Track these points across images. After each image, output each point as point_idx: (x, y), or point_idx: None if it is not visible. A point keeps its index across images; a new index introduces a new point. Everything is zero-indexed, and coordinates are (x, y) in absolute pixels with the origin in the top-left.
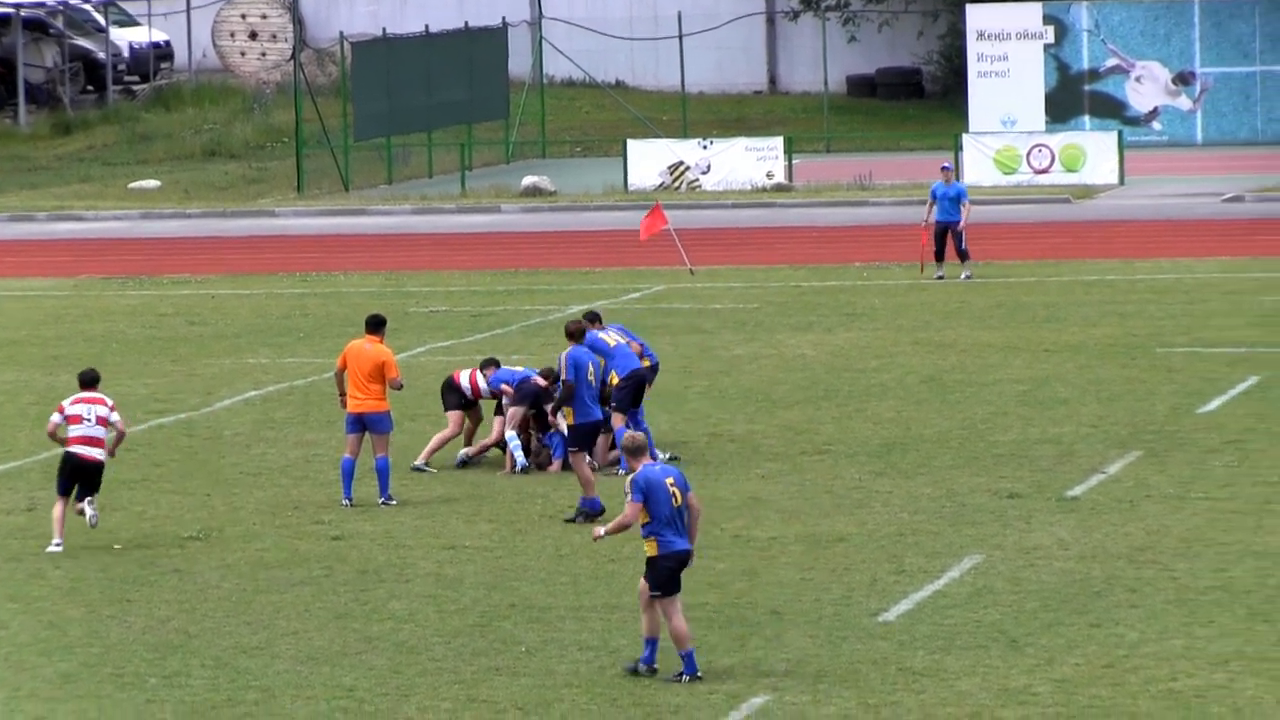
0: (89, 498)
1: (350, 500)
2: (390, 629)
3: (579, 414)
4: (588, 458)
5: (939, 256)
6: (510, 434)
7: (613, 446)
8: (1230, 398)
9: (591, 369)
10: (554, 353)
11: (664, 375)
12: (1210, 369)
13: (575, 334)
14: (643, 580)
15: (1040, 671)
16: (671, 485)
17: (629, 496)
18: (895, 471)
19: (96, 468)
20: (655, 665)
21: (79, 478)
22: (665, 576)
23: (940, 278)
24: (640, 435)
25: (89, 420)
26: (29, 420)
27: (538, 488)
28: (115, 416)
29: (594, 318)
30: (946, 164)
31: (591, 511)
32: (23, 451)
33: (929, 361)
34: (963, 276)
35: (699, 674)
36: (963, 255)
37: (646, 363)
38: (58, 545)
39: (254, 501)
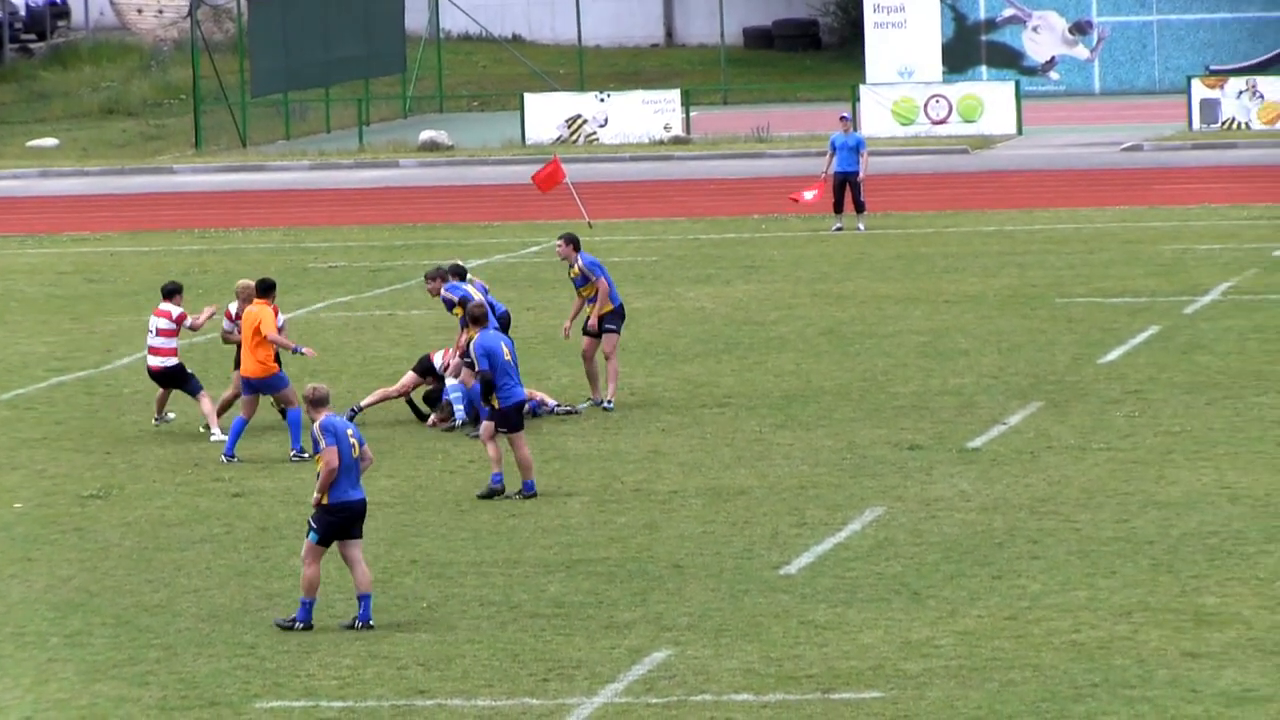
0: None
1: (231, 457)
2: (291, 586)
3: (504, 398)
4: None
5: (838, 208)
6: (451, 383)
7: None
8: (1130, 348)
9: (506, 350)
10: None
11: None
12: (1110, 319)
13: (479, 318)
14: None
15: (943, 624)
16: (351, 436)
17: (323, 441)
18: (796, 424)
19: (164, 374)
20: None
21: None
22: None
23: (839, 229)
24: (324, 387)
25: (150, 333)
26: None
27: (437, 443)
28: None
29: (460, 272)
30: (845, 114)
31: (527, 492)
32: None
33: (828, 313)
34: (858, 228)
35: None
36: (859, 207)
37: None
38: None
39: (154, 459)
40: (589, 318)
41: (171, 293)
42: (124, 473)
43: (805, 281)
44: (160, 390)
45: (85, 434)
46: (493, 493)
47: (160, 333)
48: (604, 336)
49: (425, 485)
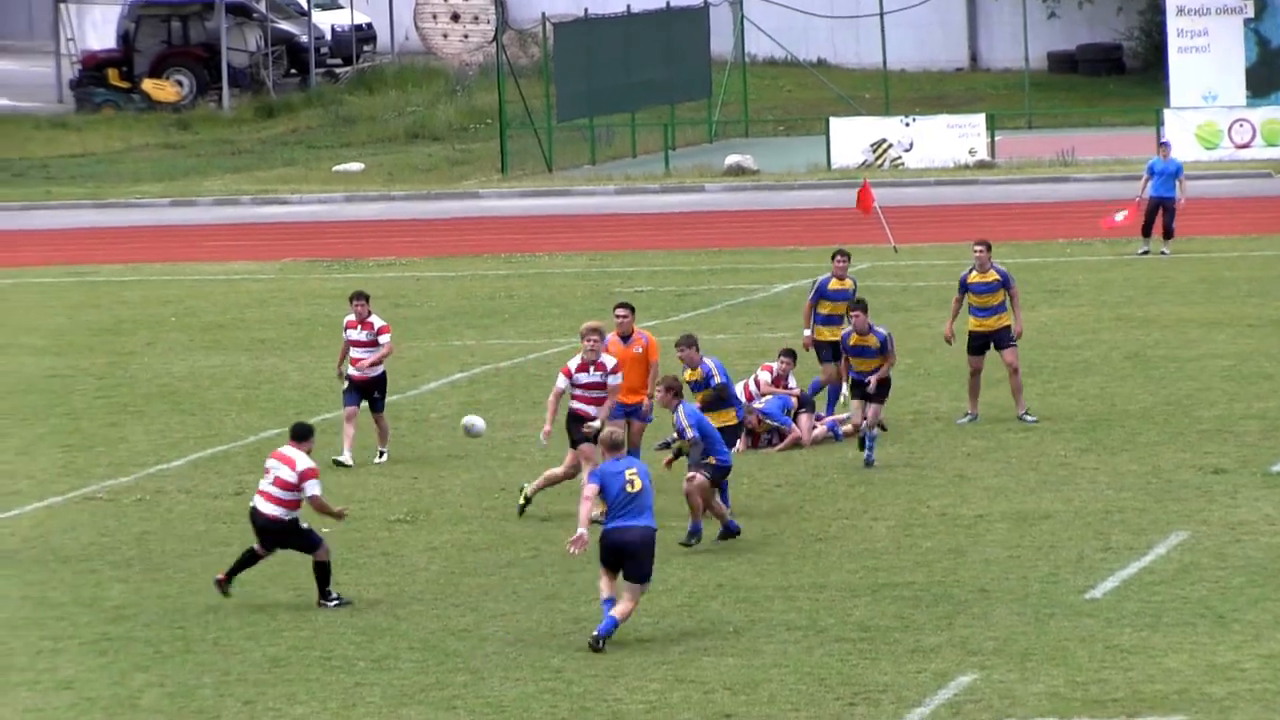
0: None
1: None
2: (598, 610)
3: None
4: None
5: (1146, 232)
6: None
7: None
8: None
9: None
10: (756, 332)
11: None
12: None
13: (677, 392)
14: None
15: (1248, 647)
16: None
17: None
18: (1100, 448)
19: (273, 526)
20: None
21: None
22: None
23: (1145, 253)
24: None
25: (267, 478)
26: (235, 404)
27: (743, 466)
28: (306, 486)
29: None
30: (1165, 140)
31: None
32: (229, 435)
33: (1132, 337)
34: (1163, 253)
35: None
36: (1168, 233)
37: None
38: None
39: (461, 484)
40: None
41: (302, 436)
42: (430, 497)
43: (1109, 305)
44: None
45: (392, 458)
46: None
47: (278, 483)
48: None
49: (736, 510)
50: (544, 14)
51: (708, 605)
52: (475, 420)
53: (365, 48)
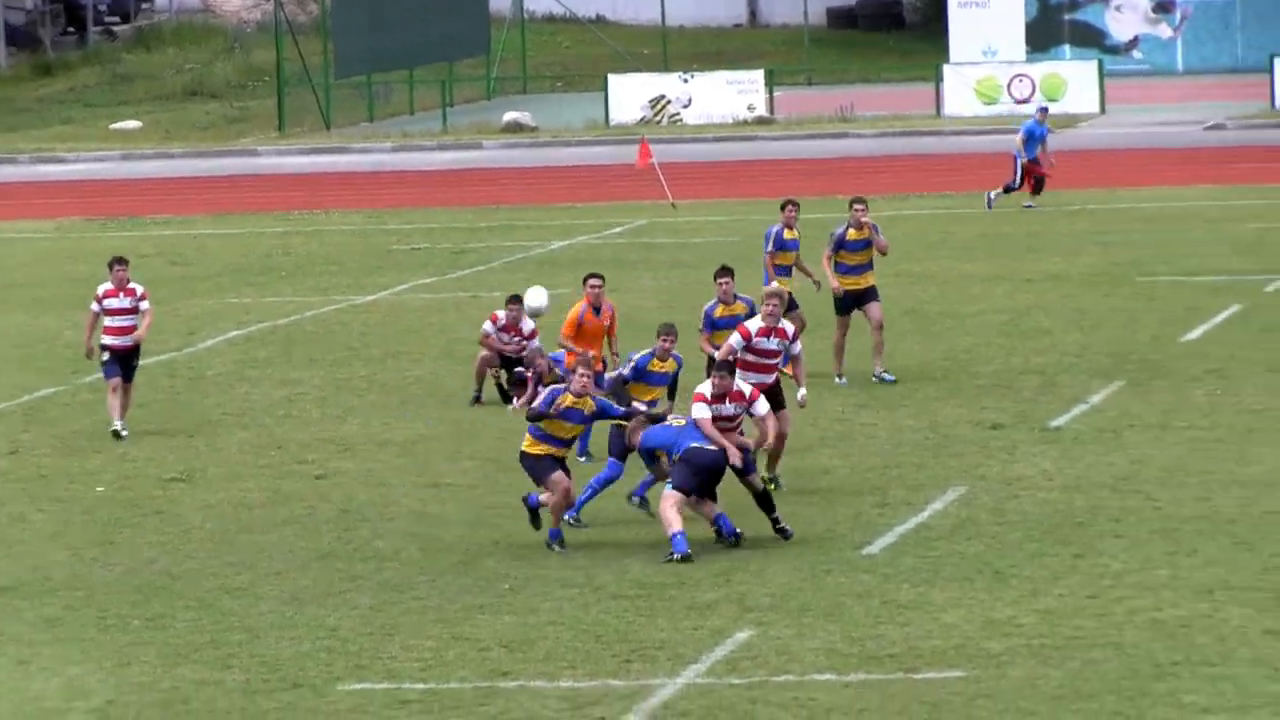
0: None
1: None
2: (374, 568)
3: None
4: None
5: (1037, 189)
6: None
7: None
8: (1212, 326)
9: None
10: (525, 286)
11: (647, 310)
12: (1192, 297)
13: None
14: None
15: (1025, 603)
16: None
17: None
18: (878, 404)
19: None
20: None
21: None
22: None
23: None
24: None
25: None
26: (11, 363)
27: (519, 424)
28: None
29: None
30: (1044, 105)
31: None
32: (6, 394)
33: (911, 293)
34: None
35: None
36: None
37: None
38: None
39: (237, 442)
40: None
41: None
42: (206, 455)
43: (888, 261)
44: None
45: (167, 417)
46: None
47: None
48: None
49: (508, 466)
50: None
51: (483, 563)
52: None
53: (143, 5)
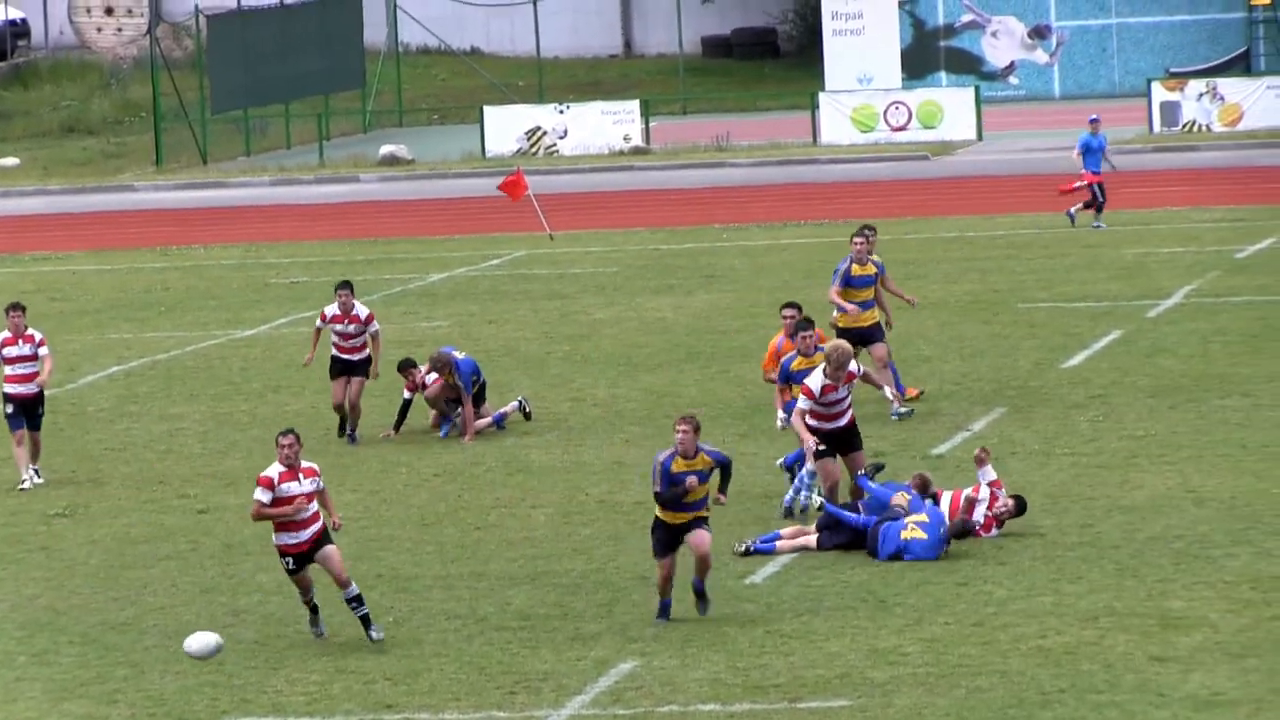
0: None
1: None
2: (258, 601)
3: None
4: None
5: (1099, 208)
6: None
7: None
8: (1093, 352)
9: None
10: (412, 322)
11: (527, 341)
12: (1072, 324)
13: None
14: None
15: (909, 631)
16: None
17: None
18: (760, 433)
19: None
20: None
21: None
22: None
23: (1097, 227)
24: None
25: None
26: None
27: (401, 456)
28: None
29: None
30: (1095, 116)
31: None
32: None
33: None
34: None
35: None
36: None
37: None
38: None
39: (119, 477)
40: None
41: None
42: (89, 491)
43: (766, 290)
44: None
45: (50, 453)
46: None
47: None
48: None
49: (390, 499)
50: (197, 6)
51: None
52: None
53: (19, 43)
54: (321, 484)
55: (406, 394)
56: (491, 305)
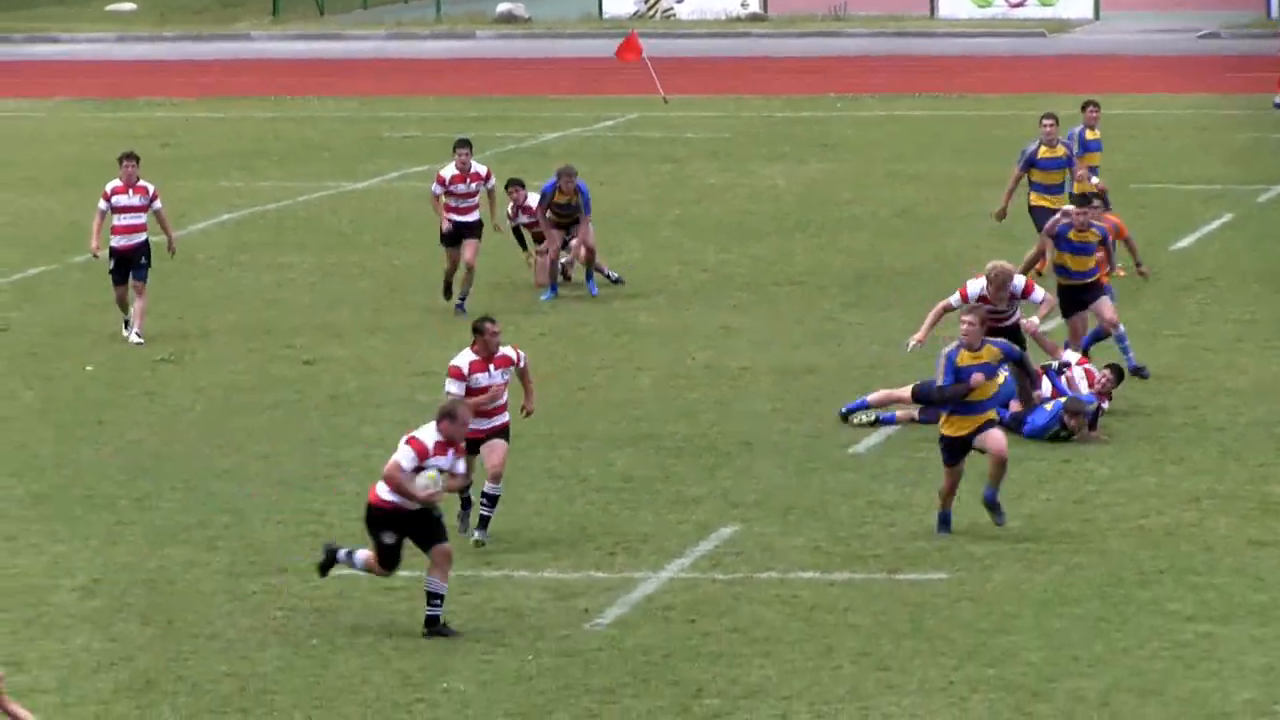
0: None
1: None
2: (360, 454)
3: None
4: None
5: None
6: None
7: None
8: (1203, 235)
9: None
10: (523, 177)
11: (638, 203)
12: (1183, 206)
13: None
14: None
15: (1010, 506)
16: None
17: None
18: (868, 303)
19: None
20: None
21: None
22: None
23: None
24: None
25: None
26: (3, 242)
27: (507, 315)
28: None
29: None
30: None
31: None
32: None
33: (902, 194)
34: None
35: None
36: None
37: None
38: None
39: (226, 325)
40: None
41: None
42: (195, 338)
43: (879, 161)
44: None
45: (157, 299)
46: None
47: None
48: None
49: None
50: None
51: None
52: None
53: None
54: (524, 363)
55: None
56: (603, 166)
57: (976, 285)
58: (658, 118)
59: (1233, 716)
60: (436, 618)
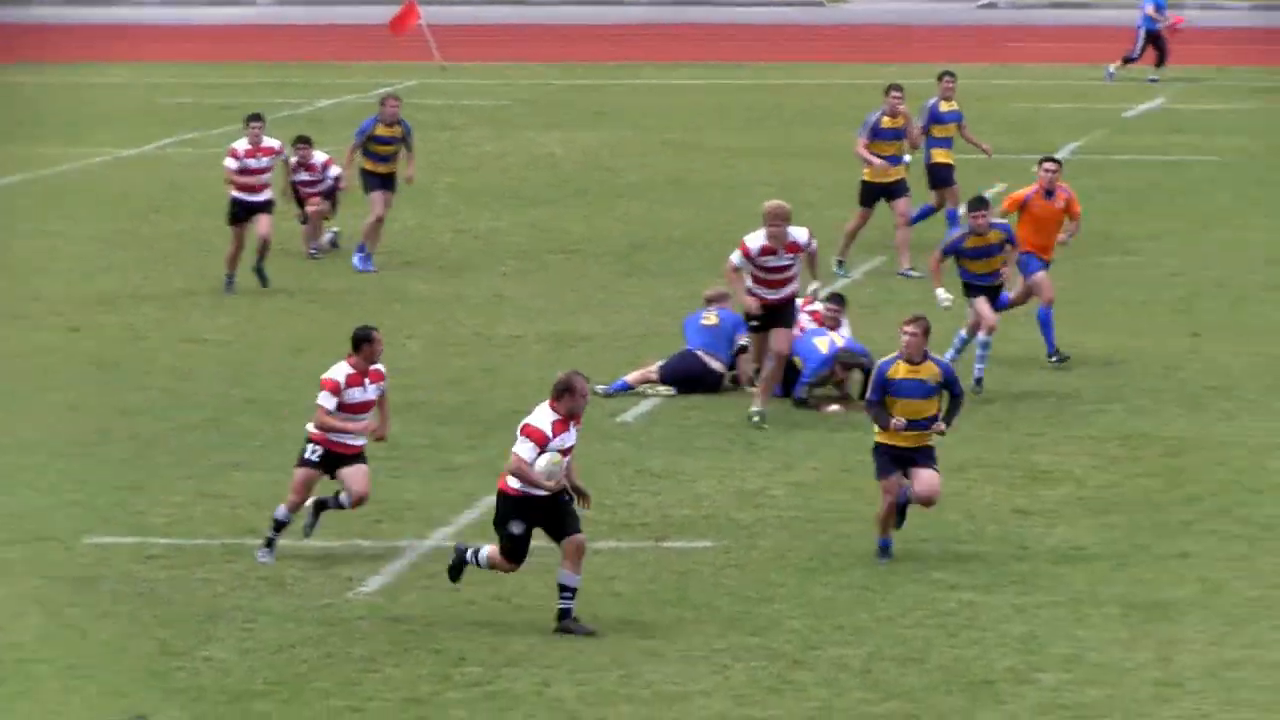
0: None
1: None
2: (126, 423)
3: None
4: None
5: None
6: None
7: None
8: None
9: None
10: (292, 144)
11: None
12: (961, 175)
13: None
14: None
15: (778, 475)
16: None
17: None
18: (641, 272)
19: None
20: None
21: None
22: None
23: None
24: None
25: None
26: None
27: (279, 278)
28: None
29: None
30: None
31: None
32: None
33: (678, 163)
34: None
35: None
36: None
37: None
38: None
39: None
40: None
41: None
42: None
43: (655, 130)
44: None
45: None
46: None
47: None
48: None
49: (263, 324)
50: None
51: (236, 420)
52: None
53: None
54: (385, 387)
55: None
56: None
57: (755, 239)
58: (435, 85)
59: (994, 684)
60: (569, 610)
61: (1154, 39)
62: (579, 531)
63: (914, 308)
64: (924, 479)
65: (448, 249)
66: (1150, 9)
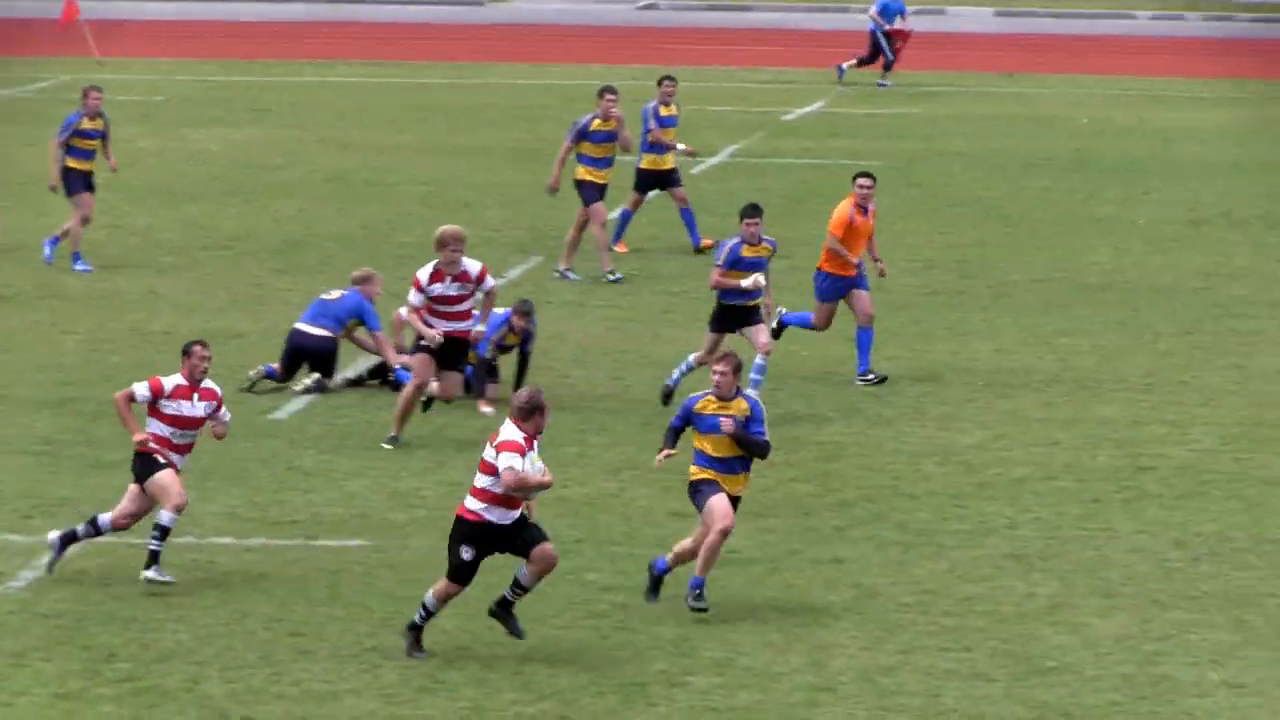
0: None
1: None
2: None
3: None
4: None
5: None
6: None
7: None
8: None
9: None
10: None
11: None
12: (615, 177)
13: None
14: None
15: (430, 474)
16: None
17: None
18: (296, 269)
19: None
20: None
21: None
22: None
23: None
24: None
25: None
26: None
27: None
28: None
29: None
30: None
31: None
32: None
33: (334, 161)
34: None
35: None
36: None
37: None
38: None
39: None
40: None
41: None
42: None
43: (312, 128)
44: None
45: None
46: None
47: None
48: None
49: None
50: None
51: None
52: None
53: None
54: (215, 408)
55: None
56: (33, 130)
57: (425, 271)
58: (93, 80)
59: (646, 686)
60: (510, 604)
61: (881, 43)
62: (547, 540)
63: (571, 309)
64: (718, 507)
65: (104, 245)
66: (874, 12)
